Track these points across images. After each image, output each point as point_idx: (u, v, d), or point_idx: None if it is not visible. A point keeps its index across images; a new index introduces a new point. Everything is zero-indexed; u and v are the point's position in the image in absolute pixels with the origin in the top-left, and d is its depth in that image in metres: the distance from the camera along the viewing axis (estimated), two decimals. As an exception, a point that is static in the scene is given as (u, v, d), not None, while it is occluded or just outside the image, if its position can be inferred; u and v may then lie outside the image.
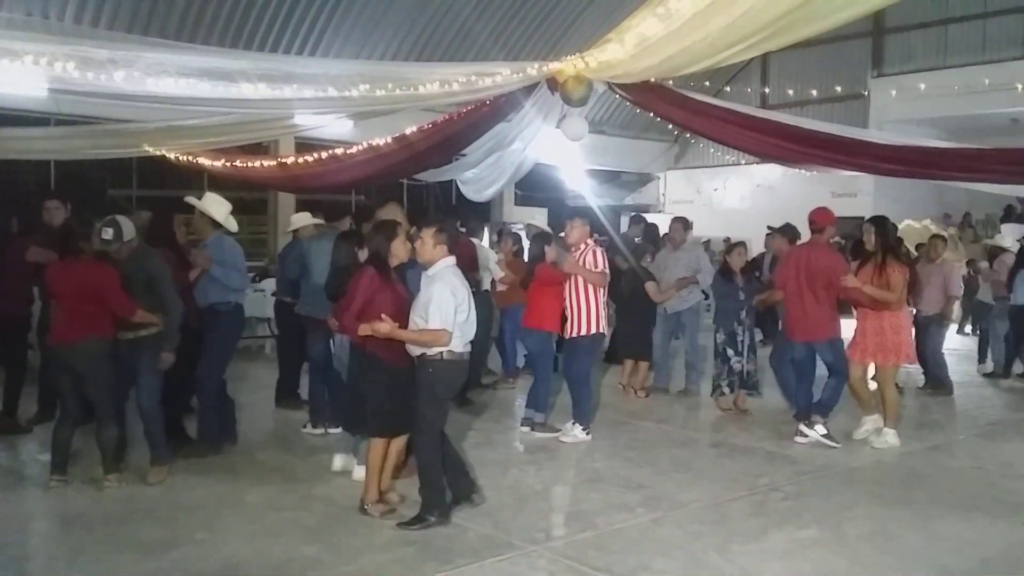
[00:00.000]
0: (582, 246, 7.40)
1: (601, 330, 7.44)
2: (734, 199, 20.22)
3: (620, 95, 7.85)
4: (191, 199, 6.69)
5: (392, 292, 5.27)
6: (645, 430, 7.77)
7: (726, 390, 8.24)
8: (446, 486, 5.27)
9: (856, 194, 17.15)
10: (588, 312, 7.29)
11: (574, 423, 7.31)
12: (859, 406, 7.44)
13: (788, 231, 8.62)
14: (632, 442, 7.30)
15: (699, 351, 9.48)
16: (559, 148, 11.69)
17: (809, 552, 4.89)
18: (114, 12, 12.46)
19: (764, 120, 8.15)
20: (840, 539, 5.08)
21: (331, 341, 6.79)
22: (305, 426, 7.39)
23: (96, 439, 5.81)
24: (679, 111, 7.90)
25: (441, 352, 5.05)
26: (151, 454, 5.99)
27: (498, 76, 7.39)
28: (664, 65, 6.50)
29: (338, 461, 6.15)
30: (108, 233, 5.77)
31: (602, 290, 7.42)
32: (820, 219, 7.34)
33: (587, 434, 7.28)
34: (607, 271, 7.45)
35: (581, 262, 7.26)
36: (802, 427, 7.12)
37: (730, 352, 8.16)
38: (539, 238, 8.03)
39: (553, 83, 7.52)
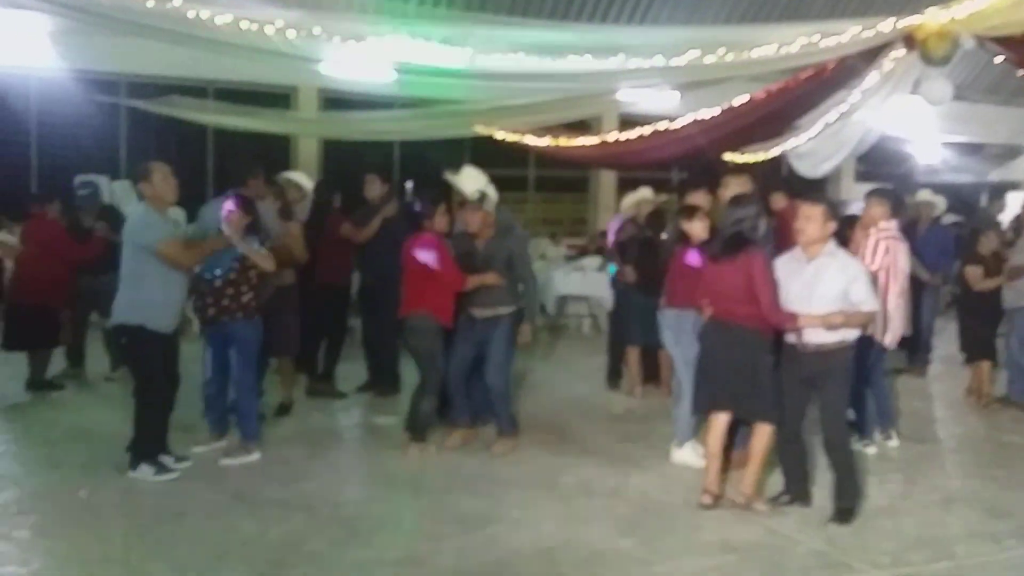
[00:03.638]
0: (871, 232, 6.08)
1: (875, 335, 5.80)
2: None
3: (995, 51, 6.71)
4: (448, 175, 6.62)
5: (774, 273, 4.91)
6: (1011, 447, 6.62)
7: None
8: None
9: None
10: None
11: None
12: None
13: None
14: (996, 460, 6.24)
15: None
16: (909, 118, 10.46)
17: None
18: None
19: None
20: None
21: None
22: None
23: (411, 407, 5.98)
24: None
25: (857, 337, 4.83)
26: (497, 427, 6.11)
27: (845, 35, 6.62)
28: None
29: (679, 454, 5.81)
30: (476, 194, 5.95)
31: (894, 287, 5.97)
32: None
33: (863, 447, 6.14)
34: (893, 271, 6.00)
35: (859, 255, 6.16)
36: None
37: None
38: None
39: (911, 41, 6.62)
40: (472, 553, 4.36)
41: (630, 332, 7.73)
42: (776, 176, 13.00)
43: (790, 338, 4.87)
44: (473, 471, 5.65)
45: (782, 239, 5.13)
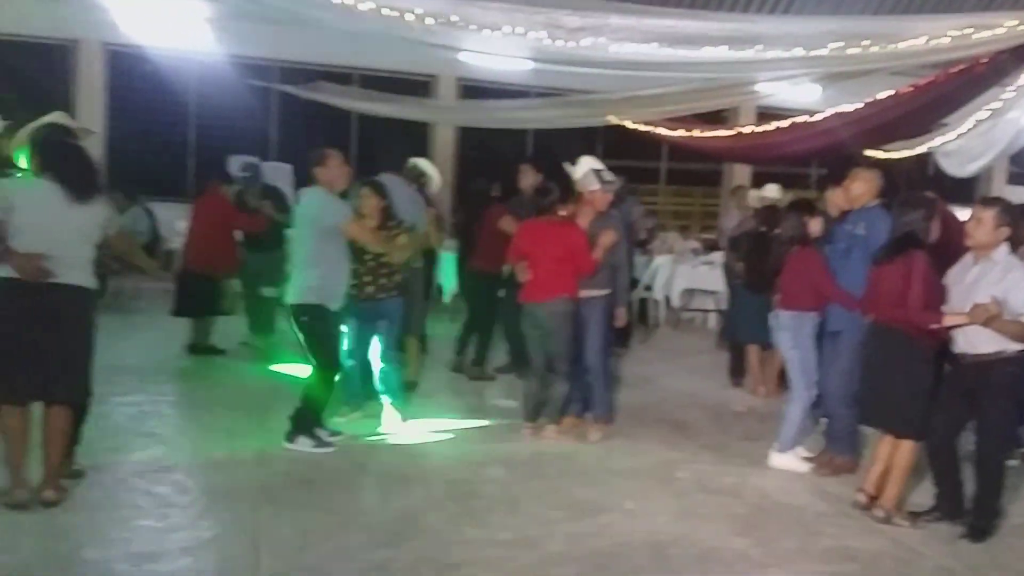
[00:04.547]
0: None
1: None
2: None
3: None
4: (566, 166, 6.53)
5: (937, 278, 4.70)
6: None
7: None
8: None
9: None
10: None
11: None
12: None
13: None
14: None
15: None
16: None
17: None
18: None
19: None
20: None
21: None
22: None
23: (547, 392, 6.07)
24: None
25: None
26: (594, 412, 6.16)
27: (1000, 28, 6.26)
28: None
29: (779, 459, 5.70)
30: (608, 174, 6.04)
31: None
32: None
33: None
34: None
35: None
36: None
37: None
38: None
39: (1075, 34, 6.19)
40: (583, 540, 4.40)
41: (745, 330, 7.61)
42: (922, 175, 12.43)
43: (953, 348, 4.66)
44: (588, 459, 5.69)
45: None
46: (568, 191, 5.98)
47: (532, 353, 6.12)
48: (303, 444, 5.47)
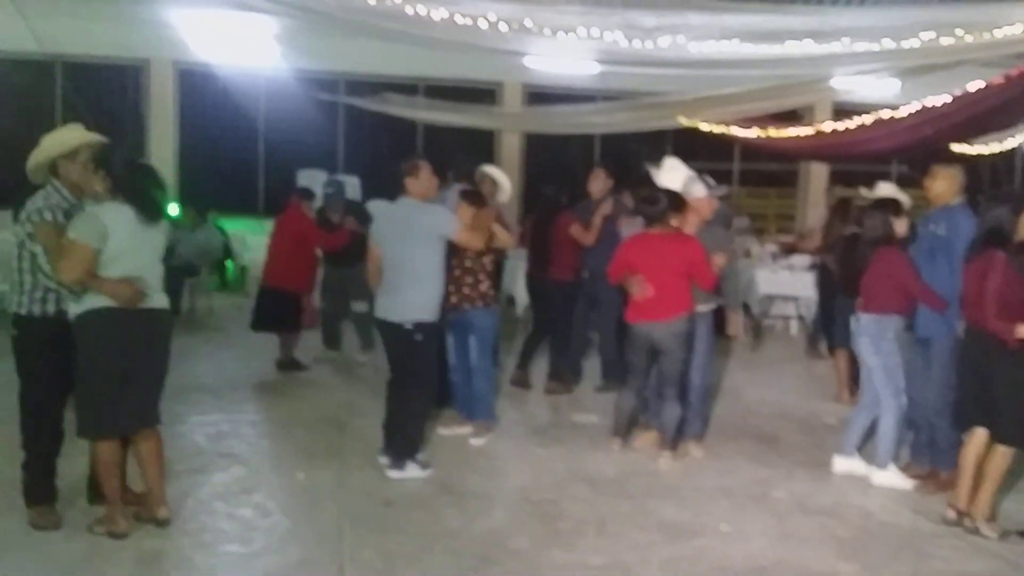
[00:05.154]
0: None
1: None
2: None
3: None
4: (650, 166, 6.21)
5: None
6: None
7: None
8: None
9: None
10: None
11: None
12: None
13: None
14: None
15: None
16: None
17: None
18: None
19: None
20: None
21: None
22: None
23: (656, 416, 5.84)
24: None
25: None
26: (690, 428, 5.88)
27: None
28: None
29: (881, 477, 5.40)
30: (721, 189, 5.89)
31: None
32: None
33: None
34: None
35: None
36: None
37: None
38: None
39: None
40: (679, 565, 4.19)
41: (837, 334, 7.26)
42: (1010, 169, 11.87)
43: None
44: (675, 477, 5.46)
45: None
46: (679, 200, 5.59)
47: (633, 370, 5.79)
48: (412, 471, 5.22)
